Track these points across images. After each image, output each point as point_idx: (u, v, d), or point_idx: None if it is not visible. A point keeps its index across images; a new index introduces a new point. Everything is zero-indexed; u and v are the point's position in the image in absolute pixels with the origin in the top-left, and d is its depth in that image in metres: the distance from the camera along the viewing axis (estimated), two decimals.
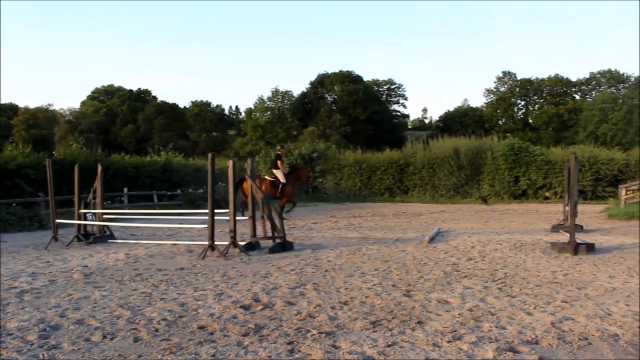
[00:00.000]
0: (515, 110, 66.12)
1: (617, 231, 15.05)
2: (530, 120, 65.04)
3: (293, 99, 62.55)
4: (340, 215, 21.32)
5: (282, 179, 19.41)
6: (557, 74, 66.16)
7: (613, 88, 64.06)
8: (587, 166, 29.02)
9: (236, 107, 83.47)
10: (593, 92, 65.29)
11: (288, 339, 5.08)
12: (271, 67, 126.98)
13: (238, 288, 7.43)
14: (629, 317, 5.85)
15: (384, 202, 30.25)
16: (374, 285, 7.53)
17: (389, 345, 4.89)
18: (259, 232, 12.10)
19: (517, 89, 65.74)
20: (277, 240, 11.51)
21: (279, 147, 21.90)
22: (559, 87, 65.52)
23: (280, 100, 61.92)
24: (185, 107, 71.69)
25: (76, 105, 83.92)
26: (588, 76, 67.32)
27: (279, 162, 19.90)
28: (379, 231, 15.09)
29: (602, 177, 29.02)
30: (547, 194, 29.08)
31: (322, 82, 62.99)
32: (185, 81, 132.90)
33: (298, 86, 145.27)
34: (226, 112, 77.28)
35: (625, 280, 7.91)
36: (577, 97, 66.02)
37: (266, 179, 19.69)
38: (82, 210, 13.55)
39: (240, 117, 75.60)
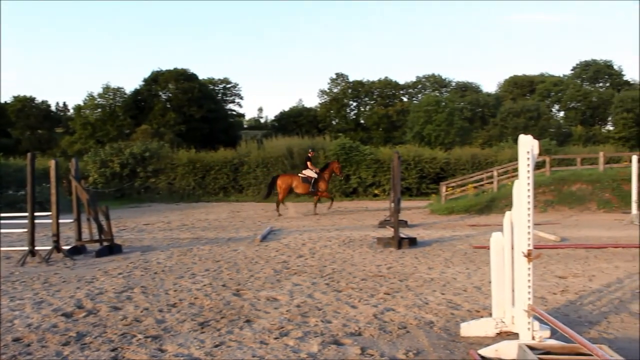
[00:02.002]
0: (348, 111, 68.39)
1: (437, 225, 16.15)
2: (362, 121, 67.60)
3: (125, 96, 60.07)
4: (173, 215, 20.90)
5: (312, 175, 21.08)
6: (387, 77, 69.67)
7: (437, 91, 68.50)
8: (413, 164, 30.85)
9: (64, 103, 78.83)
10: (419, 95, 69.30)
11: (112, 346, 4.92)
12: (102, 62, 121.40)
13: (60, 295, 7.05)
14: (444, 305, 6.31)
15: (219, 201, 30.06)
16: (204, 286, 7.48)
17: (216, 346, 4.89)
18: (86, 235, 11.55)
19: (350, 91, 68.09)
20: (105, 243, 11.04)
21: (310, 151, 23.06)
22: (388, 89, 68.77)
23: (111, 97, 59.19)
24: (6, 102, 66.35)
25: None
26: (414, 80, 71.69)
27: (308, 163, 21.63)
28: (212, 231, 14.99)
29: (426, 174, 31.00)
30: (376, 192, 30.47)
31: (156, 80, 61.16)
32: (5, 74, 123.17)
33: (131, 83, 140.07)
34: (53, 108, 72.62)
35: (442, 270, 8.51)
36: (405, 99, 69.69)
37: (298, 176, 21.45)
38: None
39: (69, 114, 71.38)
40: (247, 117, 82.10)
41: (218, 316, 5.86)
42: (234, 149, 34.35)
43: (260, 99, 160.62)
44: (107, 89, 58.99)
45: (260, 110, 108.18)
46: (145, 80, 62.08)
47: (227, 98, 70.46)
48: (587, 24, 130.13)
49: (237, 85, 70.40)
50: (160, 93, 61.56)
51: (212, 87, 67.75)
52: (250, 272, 8.46)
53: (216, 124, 59.95)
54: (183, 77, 60.33)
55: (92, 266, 9.44)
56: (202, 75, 65.21)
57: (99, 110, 58.67)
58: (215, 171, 32.42)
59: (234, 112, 70.60)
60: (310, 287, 7.31)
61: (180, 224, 17.54)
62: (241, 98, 71.03)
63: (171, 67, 61.71)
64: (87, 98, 59.50)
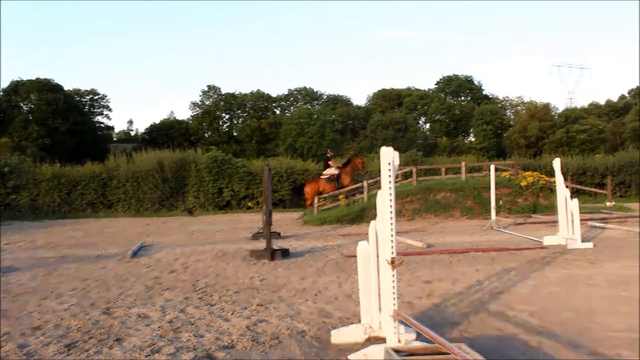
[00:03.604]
0: (220, 124, 67.92)
1: (310, 236, 16.42)
2: (235, 133, 67.36)
3: None
4: (37, 234, 19.78)
5: (334, 172, 21.96)
6: (259, 90, 69.93)
7: (309, 104, 69.69)
8: (285, 176, 31.14)
9: None
10: (291, 108, 70.16)
11: None
12: None
13: None
14: (315, 314, 6.47)
15: (87, 217, 28.76)
16: (71, 306, 7.20)
17: None
18: None
19: (222, 103, 67.66)
20: None
21: (328, 151, 24.52)
22: (260, 102, 69.06)
23: None
24: None
25: None
26: (287, 92, 72.55)
27: (330, 162, 22.81)
28: (80, 249, 14.35)
29: (299, 186, 31.33)
30: (249, 204, 30.44)
31: (16, 90, 57.72)
32: None
33: None
34: None
35: (314, 280, 8.69)
36: (277, 112, 70.28)
37: (322, 178, 22.23)
38: None
39: None
40: (116, 130, 79.23)
41: (86, 336, 5.67)
42: (102, 163, 33.07)
43: (131, 111, 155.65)
44: None
45: (130, 122, 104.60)
46: (4, 91, 58.47)
47: (95, 110, 67.83)
48: (448, 41, 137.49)
49: (106, 96, 67.93)
50: (22, 104, 58.20)
51: (78, 98, 64.92)
52: (120, 290, 8.23)
53: (83, 137, 57.43)
54: (47, 88, 57.35)
55: None
56: (67, 86, 62.27)
57: None
58: (82, 186, 31.03)
59: (103, 125, 67.97)
60: (183, 302, 7.23)
61: (45, 242, 16.66)
62: (110, 110, 68.57)
63: (33, 77, 58.62)
64: None
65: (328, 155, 23.64)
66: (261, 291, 7.90)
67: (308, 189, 22.15)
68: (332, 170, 22.15)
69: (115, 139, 75.26)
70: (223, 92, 68.15)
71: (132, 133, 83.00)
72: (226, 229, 19.72)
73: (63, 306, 7.19)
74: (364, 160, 24.23)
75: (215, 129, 66.40)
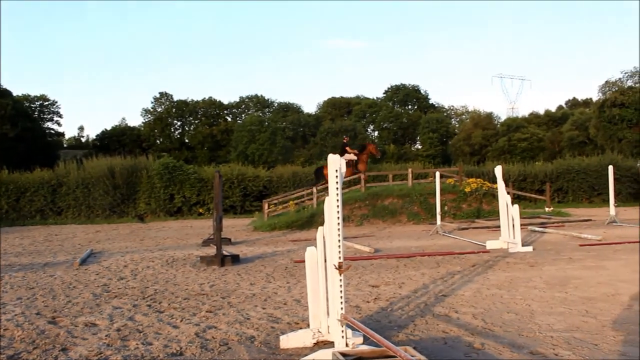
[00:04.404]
0: (172, 130, 67.06)
1: (260, 242, 16.33)
2: (187, 140, 66.62)
3: None
4: None
5: (352, 157, 22.65)
6: (211, 97, 69.28)
7: (260, 112, 69.47)
8: (237, 183, 30.96)
9: None
10: (243, 115, 69.80)
11: None
12: None
13: None
14: (265, 319, 6.40)
15: (35, 225, 27.96)
16: (15, 315, 6.93)
17: None
18: None
19: (174, 110, 66.82)
20: None
21: (344, 137, 25.25)
22: (212, 109, 68.47)
23: None
24: None
25: None
26: (238, 100, 72.14)
27: (347, 148, 23.55)
28: (27, 257, 13.89)
29: (250, 192, 31.25)
30: (200, 210, 30.17)
31: None
32: None
33: None
34: None
35: (263, 286, 8.62)
36: (229, 119, 69.81)
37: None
38: None
39: None
40: (67, 136, 77.36)
41: (30, 347, 5.46)
42: (52, 170, 32.23)
43: (82, 118, 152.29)
44: None
45: (81, 129, 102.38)
46: None
47: (45, 116, 66.11)
48: (396, 51, 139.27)
49: (56, 102, 66.23)
50: None
51: (27, 104, 63.17)
52: (67, 298, 7.99)
53: (33, 143, 55.89)
54: None
55: None
56: (16, 92, 60.53)
57: None
58: (31, 193, 30.20)
59: (53, 131, 66.25)
60: (132, 310, 7.06)
61: None
62: (60, 116, 66.87)
63: None
64: None
65: (344, 140, 24.49)
66: (211, 297, 7.78)
67: (327, 172, 22.81)
68: (350, 156, 23.00)
69: (65, 145, 73.48)
70: (175, 99, 67.37)
71: (83, 139, 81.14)
72: (177, 235, 19.46)
73: (6, 316, 6.92)
74: (377, 145, 25.06)
75: (167, 135, 65.53)
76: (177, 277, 9.72)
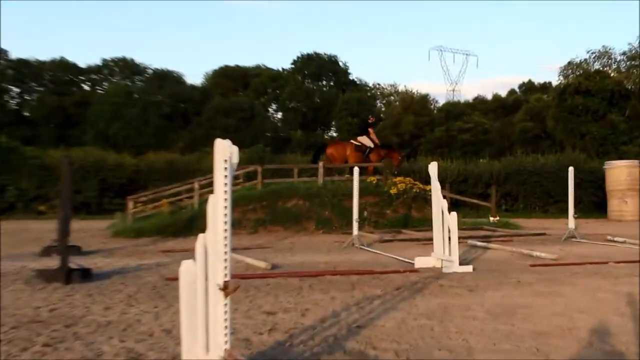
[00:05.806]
0: (7, 99, 64.78)
1: (121, 252, 16.01)
2: (27, 113, 64.53)
3: None
4: None
5: (368, 144, 24.15)
6: (63, 58, 67.15)
7: (128, 80, 68.11)
8: (93, 172, 30.26)
9: None
10: (105, 83, 68.33)
11: None
12: None
13: None
14: (123, 355, 6.21)
15: None
16: None
17: None
18: None
19: (10, 71, 64.50)
20: None
21: (370, 117, 26.93)
22: (64, 73, 66.59)
23: None
24: None
25: None
26: (100, 63, 70.35)
27: (370, 129, 24.95)
28: None
29: (110, 186, 30.61)
30: (41, 208, 29.28)
31: None
32: None
33: None
34: None
35: (122, 311, 8.38)
36: (87, 87, 68.20)
37: (351, 142, 24.66)
38: None
39: None
40: None
41: None
42: None
43: None
44: None
45: None
46: None
47: None
48: (310, 13, 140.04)
49: None
50: None
51: None
52: None
53: None
54: None
55: None
56: None
57: None
58: None
59: None
60: None
61: None
62: None
63: None
64: None
65: (370, 120, 25.89)
66: (50, 326, 7.49)
67: (333, 151, 24.29)
68: (367, 141, 24.16)
69: None
70: (12, 57, 65.12)
71: None
72: (7, 240, 18.78)
73: None
74: (402, 158, 25.71)
75: (0, 105, 63.27)
76: (4, 299, 9.32)
